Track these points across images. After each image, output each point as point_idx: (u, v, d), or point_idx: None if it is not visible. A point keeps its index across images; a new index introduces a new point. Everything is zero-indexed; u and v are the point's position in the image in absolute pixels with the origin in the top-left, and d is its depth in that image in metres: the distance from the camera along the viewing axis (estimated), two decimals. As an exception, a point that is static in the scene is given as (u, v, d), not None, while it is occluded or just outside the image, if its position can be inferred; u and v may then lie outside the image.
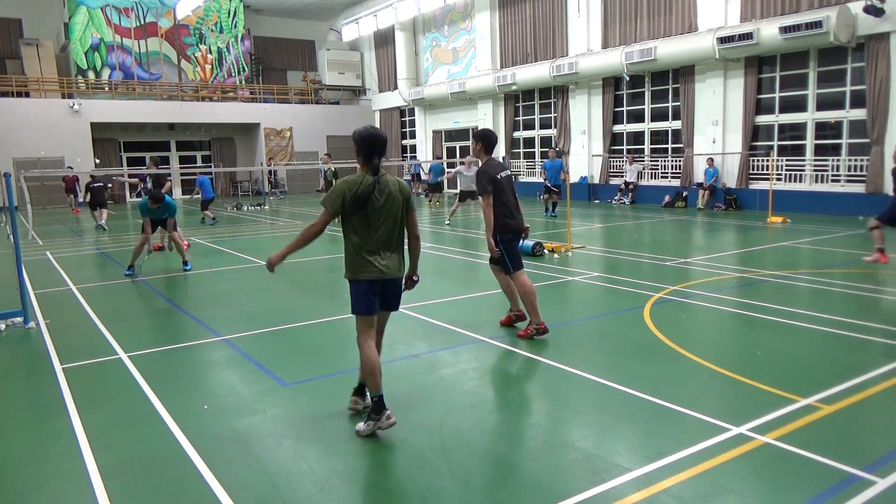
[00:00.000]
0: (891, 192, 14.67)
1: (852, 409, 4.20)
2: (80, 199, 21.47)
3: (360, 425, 4.06)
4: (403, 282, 4.27)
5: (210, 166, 29.69)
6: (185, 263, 10.21)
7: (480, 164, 5.97)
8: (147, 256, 10.06)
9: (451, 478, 3.50)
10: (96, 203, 17.53)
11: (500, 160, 6.43)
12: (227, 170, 17.61)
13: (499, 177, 5.83)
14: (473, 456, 3.74)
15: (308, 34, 34.21)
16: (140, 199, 10.62)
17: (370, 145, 4.01)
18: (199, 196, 17.52)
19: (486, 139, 5.92)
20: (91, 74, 27.78)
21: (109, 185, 26.75)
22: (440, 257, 11.05)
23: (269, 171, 28.84)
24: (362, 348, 4.12)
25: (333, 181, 16.85)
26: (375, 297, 4.10)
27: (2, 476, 3.68)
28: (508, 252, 5.95)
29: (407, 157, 31.26)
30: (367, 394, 4.21)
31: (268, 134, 30.48)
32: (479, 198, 5.90)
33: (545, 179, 17.13)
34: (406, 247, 4.29)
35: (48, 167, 24.20)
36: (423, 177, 26.14)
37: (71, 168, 23.76)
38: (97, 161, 22.01)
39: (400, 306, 4.34)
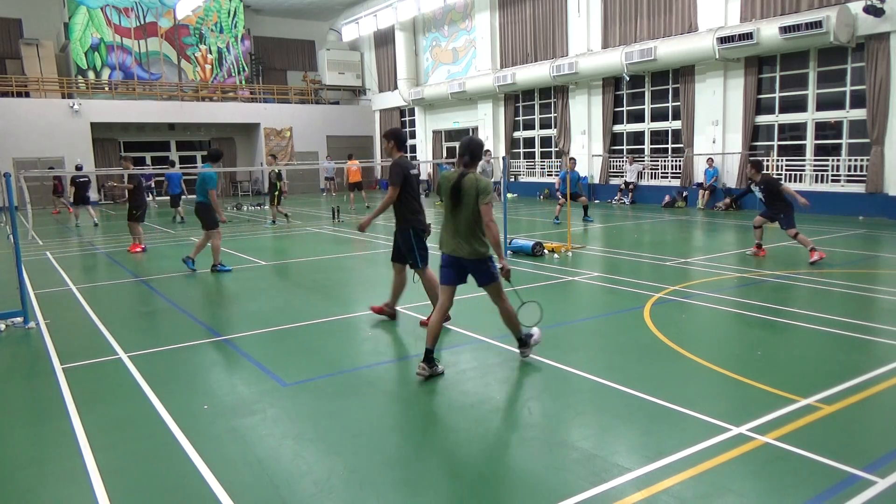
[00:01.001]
0: (891, 192, 14.72)
1: (852, 409, 4.20)
2: (70, 199, 21.35)
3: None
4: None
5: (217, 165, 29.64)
6: (191, 261, 9.96)
7: (394, 159, 6.32)
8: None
9: (451, 477, 3.50)
10: (81, 198, 17.50)
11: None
12: (227, 170, 17.59)
13: (411, 172, 6.22)
14: (473, 456, 3.74)
15: (308, 34, 34.21)
16: (204, 172, 9.91)
17: (464, 147, 5.12)
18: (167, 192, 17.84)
19: (398, 136, 6.46)
20: (91, 74, 27.78)
21: (113, 183, 26.75)
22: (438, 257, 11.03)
23: (275, 171, 28.77)
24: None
25: (277, 183, 16.57)
26: (449, 269, 5.14)
27: (2, 476, 3.68)
28: (420, 245, 6.25)
29: (407, 156, 31.19)
30: (436, 363, 5.06)
31: (268, 134, 30.48)
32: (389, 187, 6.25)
33: (558, 189, 15.87)
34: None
35: (48, 167, 24.17)
36: (424, 178, 26.19)
37: (52, 168, 23.59)
38: (80, 163, 22.01)
39: (485, 284, 5.14)
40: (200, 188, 9.88)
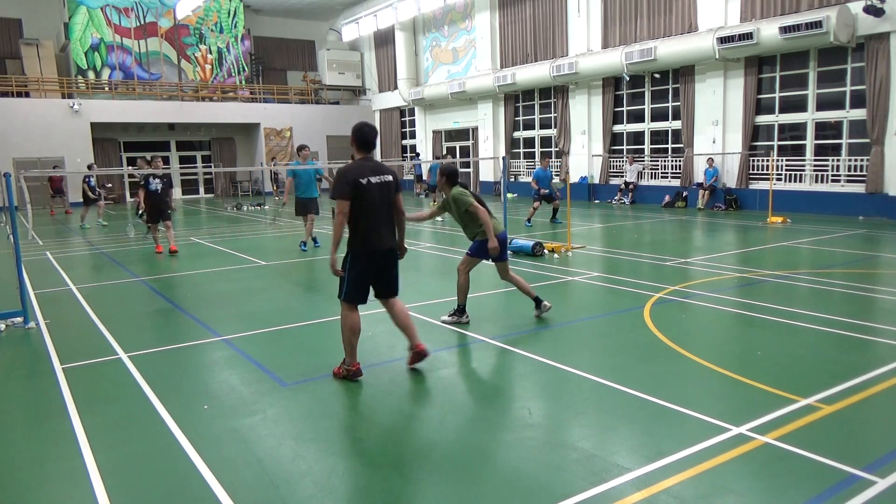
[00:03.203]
0: (891, 192, 14.71)
1: (852, 409, 4.20)
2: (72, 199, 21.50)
3: (444, 316, 6.61)
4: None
5: (210, 166, 29.77)
6: (304, 245, 11.96)
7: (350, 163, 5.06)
8: None
9: (451, 477, 3.50)
10: (88, 198, 17.43)
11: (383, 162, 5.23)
12: (228, 170, 17.62)
13: (363, 181, 4.73)
14: (474, 456, 3.74)
15: (308, 34, 34.21)
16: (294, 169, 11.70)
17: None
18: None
19: (356, 133, 4.88)
20: (91, 74, 27.78)
21: (109, 184, 26.73)
22: (441, 257, 11.05)
23: (272, 172, 28.81)
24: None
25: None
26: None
27: (2, 476, 3.68)
28: (351, 276, 4.87)
29: (407, 156, 31.25)
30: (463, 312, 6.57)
31: (268, 134, 30.49)
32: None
33: (538, 188, 15.23)
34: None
35: (48, 167, 24.17)
36: (425, 177, 26.15)
37: (56, 167, 23.61)
38: (91, 163, 22.09)
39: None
40: (313, 182, 11.88)
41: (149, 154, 18.72)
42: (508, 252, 6.96)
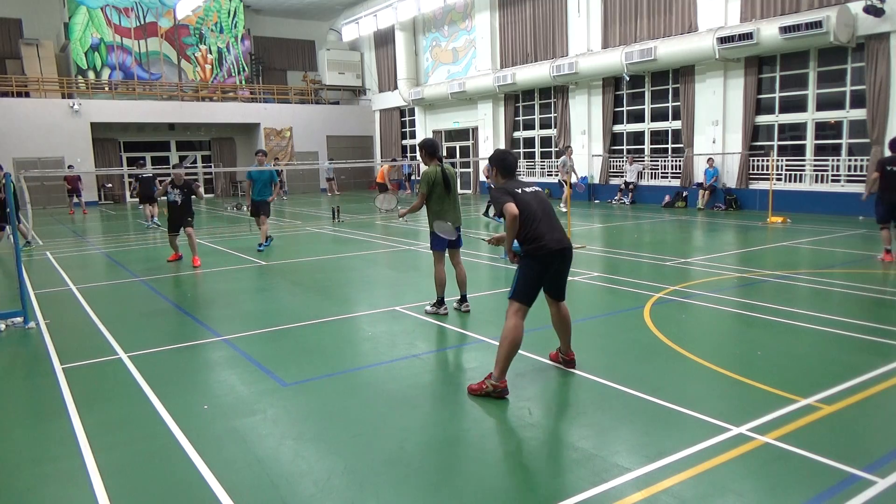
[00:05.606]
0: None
1: (852, 409, 4.20)
2: (131, 195, 21.65)
3: (427, 306, 7.06)
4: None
5: (211, 166, 29.80)
6: (268, 241, 12.72)
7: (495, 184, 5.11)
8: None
9: (451, 477, 3.50)
10: (145, 196, 17.08)
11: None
12: (228, 170, 17.60)
13: (518, 191, 4.86)
14: (473, 456, 3.74)
15: (308, 34, 34.21)
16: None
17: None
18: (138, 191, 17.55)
19: (500, 162, 5.05)
20: (91, 74, 27.78)
21: (109, 184, 26.75)
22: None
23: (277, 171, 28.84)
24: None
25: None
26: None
27: (2, 476, 3.68)
28: (523, 275, 4.83)
29: (407, 157, 31.24)
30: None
31: (268, 134, 30.48)
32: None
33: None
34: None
35: (48, 167, 24.19)
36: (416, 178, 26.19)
37: (72, 167, 23.65)
38: (75, 162, 22.03)
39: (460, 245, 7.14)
40: (267, 185, 12.84)
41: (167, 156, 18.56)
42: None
